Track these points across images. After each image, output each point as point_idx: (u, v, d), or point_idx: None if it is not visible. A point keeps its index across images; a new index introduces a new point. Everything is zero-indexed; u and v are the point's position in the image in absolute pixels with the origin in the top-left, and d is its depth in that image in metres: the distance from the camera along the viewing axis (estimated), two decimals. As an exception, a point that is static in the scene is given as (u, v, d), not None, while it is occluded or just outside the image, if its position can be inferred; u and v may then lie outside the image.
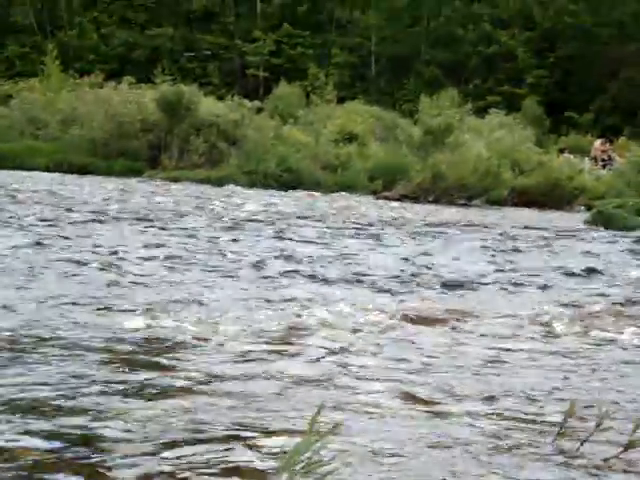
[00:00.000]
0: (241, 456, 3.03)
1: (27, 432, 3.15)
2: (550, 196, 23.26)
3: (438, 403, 3.88)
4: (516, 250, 11.22)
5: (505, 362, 4.80)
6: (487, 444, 3.33)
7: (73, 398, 3.58)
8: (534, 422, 3.65)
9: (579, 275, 9.02)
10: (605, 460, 3.18)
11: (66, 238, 9.52)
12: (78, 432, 3.19)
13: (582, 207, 22.49)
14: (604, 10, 52.24)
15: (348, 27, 54.37)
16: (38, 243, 8.83)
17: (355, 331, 5.41)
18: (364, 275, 8.02)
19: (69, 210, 13.09)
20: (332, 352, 4.79)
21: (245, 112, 28.25)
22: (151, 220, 12.28)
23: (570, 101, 49.50)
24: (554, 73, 50.14)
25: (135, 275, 7.26)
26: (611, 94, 49.59)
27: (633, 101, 48.44)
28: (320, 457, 2.54)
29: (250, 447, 3.11)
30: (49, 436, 3.12)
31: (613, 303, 7.17)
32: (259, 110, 30.44)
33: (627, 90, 49.05)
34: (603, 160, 32.13)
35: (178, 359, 4.41)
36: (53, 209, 13.17)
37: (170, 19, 55.19)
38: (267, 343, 4.92)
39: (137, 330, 5.04)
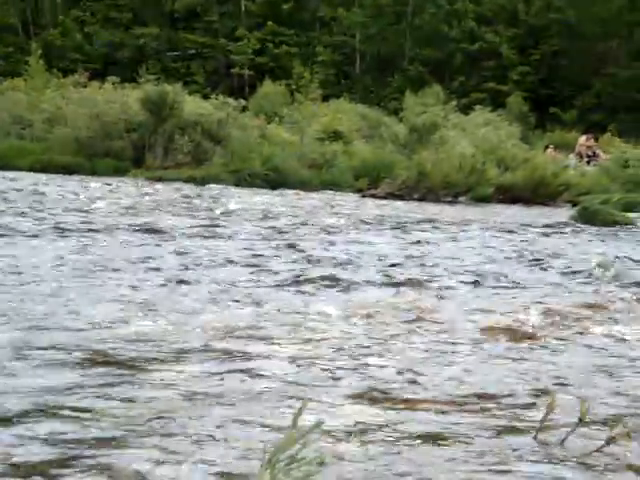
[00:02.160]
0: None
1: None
2: (535, 193, 23.28)
3: (412, 401, 3.90)
4: (494, 247, 11.24)
5: (479, 360, 4.81)
6: (465, 440, 3.35)
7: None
8: (515, 418, 3.67)
9: (557, 272, 9.04)
10: (587, 454, 3.21)
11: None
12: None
13: (568, 203, 22.54)
14: (588, 6, 52.39)
15: (332, 25, 54.37)
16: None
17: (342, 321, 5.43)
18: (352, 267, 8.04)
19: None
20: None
21: (230, 111, 28.22)
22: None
23: (555, 97, 49.64)
24: (539, 70, 50.29)
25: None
26: (595, 90, 49.74)
27: (617, 97, 48.64)
28: (303, 455, 2.55)
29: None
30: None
31: (589, 300, 7.19)
32: (244, 109, 30.41)
33: (611, 86, 49.23)
34: (588, 156, 32.21)
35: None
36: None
37: (154, 19, 55.09)
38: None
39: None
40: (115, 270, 7.50)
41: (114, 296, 6.22)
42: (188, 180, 23.73)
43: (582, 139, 33.62)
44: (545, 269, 9.17)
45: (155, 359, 4.42)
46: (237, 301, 6.30)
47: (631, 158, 26.73)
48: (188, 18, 54.99)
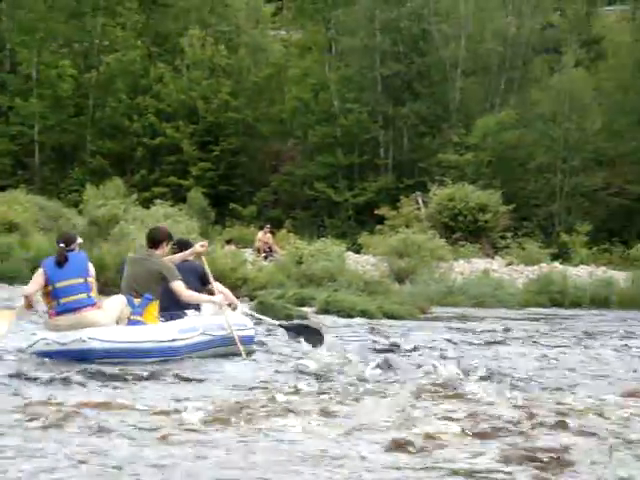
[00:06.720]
0: None
1: None
2: (214, 287, 23.52)
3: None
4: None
5: (157, 457, 4.77)
6: None
7: None
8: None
9: (237, 365, 9.17)
10: None
11: None
12: None
13: (246, 297, 23.00)
14: (264, 107, 54.27)
15: (9, 114, 52.99)
16: None
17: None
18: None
19: None
20: None
21: None
22: None
23: (234, 193, 50.75)
24: (219, 166, 51.20)
25: None
26: (273, 187, 51.39)
27: (293, 194, 50.57)
28: None
29: None
30: None
31: (269, 391, 7.33)
32: None
33: (287, 184, 51.09)
34: (265, 251, 33.23)
35: None
36: None
37: None
38: None
39: None
40: None
41: None
42: None
43: (260, 234, 34.71)
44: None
45: None
46: None
47: (305, 254, 27.74)
48: None
